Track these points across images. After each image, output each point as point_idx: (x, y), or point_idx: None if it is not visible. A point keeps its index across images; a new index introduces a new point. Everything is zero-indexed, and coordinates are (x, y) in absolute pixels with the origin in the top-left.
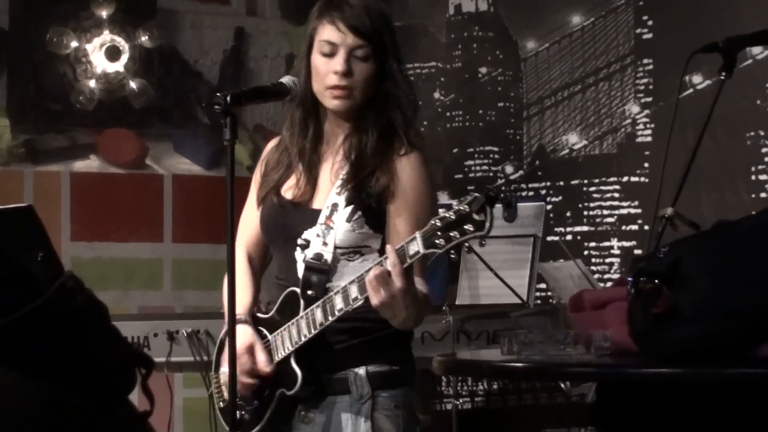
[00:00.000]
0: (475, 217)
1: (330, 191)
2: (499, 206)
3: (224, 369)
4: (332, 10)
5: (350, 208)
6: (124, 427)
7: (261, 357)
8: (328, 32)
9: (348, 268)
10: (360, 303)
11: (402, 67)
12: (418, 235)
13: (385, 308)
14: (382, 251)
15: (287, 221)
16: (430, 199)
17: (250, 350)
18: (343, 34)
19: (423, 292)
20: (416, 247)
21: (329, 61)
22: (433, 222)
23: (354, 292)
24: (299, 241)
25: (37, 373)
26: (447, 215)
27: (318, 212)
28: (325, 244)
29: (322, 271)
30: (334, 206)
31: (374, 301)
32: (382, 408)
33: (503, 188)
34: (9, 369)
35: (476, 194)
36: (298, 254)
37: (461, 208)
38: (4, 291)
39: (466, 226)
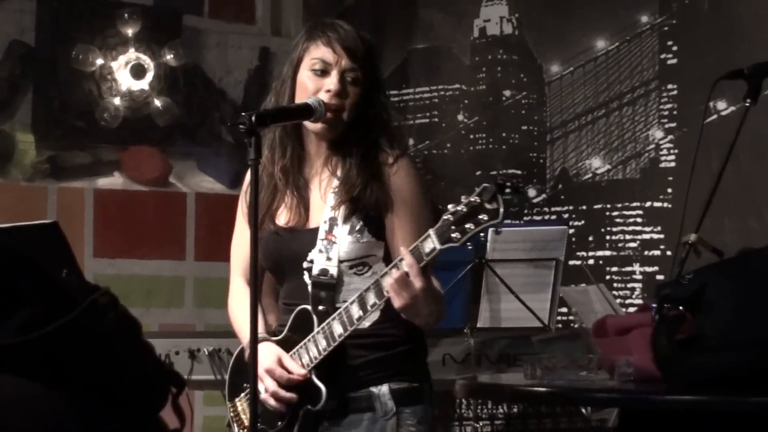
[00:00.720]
0: (487, 206)
1: (324, 208)
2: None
3: (242, 394)
4: (327, 31)
5: (351, 220)
6: None
7: (292, 364)
8: (322, 51)
9: (356, 282)
10: (378, 309)
11: (386, 95)
12: (431, 232)
13: (408, 309)
14: (386, 259)
15: (289, 247)
16: (427, 199)
17: (280, 362)
18: (338, 55)
19: (436, 286)
20: (431, 244)
21: (320, 80)
22: (445, 217)
23: (372, 298)
24: (305, 265)
25: (68, 388)
26: (459, 209)
27: (316, 230)
28: (329, 259)
29: (329, 287)
30: (332, 221)
31: (397, 304)
32: (406, 424)
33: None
34: (39, 384)
35: (485, 185)
36: (307, 278)
37: (472, 199)
38: (36, 305)
39: (480, 217)
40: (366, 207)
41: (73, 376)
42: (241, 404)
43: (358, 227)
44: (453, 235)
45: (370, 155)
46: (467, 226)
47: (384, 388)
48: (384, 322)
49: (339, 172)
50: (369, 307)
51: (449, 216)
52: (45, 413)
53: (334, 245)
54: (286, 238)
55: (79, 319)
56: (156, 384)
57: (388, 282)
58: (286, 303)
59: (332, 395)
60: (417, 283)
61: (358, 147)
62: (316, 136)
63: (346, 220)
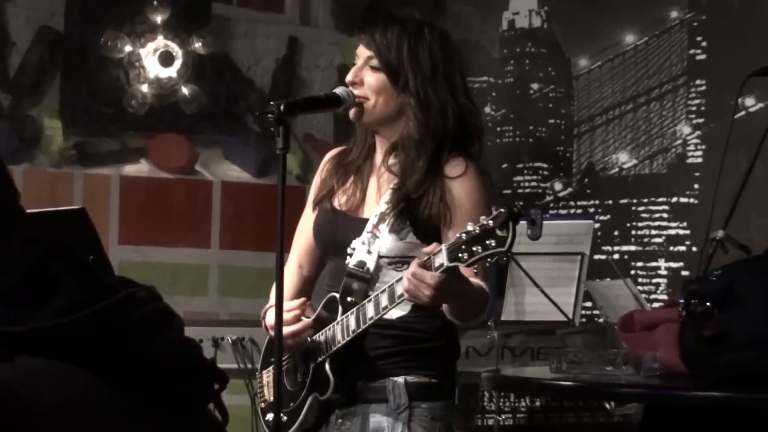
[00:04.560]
0: (498, 233)
1: (378, 202)
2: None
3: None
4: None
5: (399, 219)
6: None
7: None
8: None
9: (392, 276)
10: (387, 312)
11: (439, 81)
12: (443, 247)
13: (432, 302)
14: None
15: (337, 230)
16: (485, 210)
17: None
18: (361, 47)
19: (477, 285)
20: (441, 259)
21: None
22: (458, 236)
23: (384, 300)
24: (348, 250)
25: (108, 376)
26: (472, 229)
27: (366, 221)
28: (369, 252)
29: (363, 279)
30: (382, 216)
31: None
32: (419, 419)
33: (537, 205)
34: (80, 369)
35: (501, 209)
36: (348, 263)
37: (486, 222)
38: (73, 292)
39: (488, 242)
40: (418, 209)
41: (110, 364)
42: (268, 376)
43: (403, 227)
44: (461, 254)
45: (435, 163)
46: (474, 248)
47: (400, 381)
48: (413, 317)
49: (399, 172)
50: (380, 309)
51: (463, 235)
52: (86, 398)
53: (376, 240)
54: (336, 220)
55: (115, 307)
56: (197, 380)
57: (402, 286)
58: (329, 285)
59: (340, 387)
60: (425, 290)
61: (420, 152)
62: (373, 128)
63: (394, 217)
